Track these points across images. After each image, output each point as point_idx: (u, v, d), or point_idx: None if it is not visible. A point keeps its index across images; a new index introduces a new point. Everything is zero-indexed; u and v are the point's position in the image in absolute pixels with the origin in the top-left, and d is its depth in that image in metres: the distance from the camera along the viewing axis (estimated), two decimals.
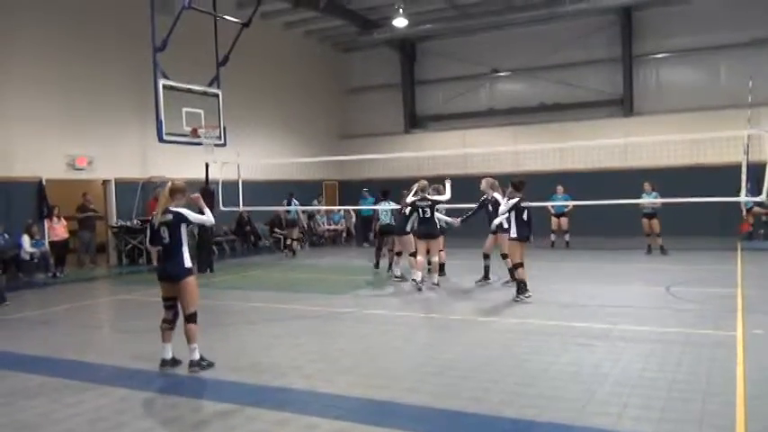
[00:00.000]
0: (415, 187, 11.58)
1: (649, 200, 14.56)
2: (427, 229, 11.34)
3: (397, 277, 12.24)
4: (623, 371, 5.96)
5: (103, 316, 10.52)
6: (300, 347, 7.38)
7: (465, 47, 23.20)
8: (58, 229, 14.77)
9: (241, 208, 16.10)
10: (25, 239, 13.98)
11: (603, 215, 16.34)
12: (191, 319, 6.45)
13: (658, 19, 20.55)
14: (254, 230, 19.91)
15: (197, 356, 6.46)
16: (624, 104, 21.01)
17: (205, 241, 15.02)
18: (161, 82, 13.08)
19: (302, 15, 21.12)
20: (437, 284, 11.22)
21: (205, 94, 14.40)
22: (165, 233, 6.45)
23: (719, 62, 19.84)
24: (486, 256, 11.46)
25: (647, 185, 15.11)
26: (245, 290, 12.22)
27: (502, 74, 23.22)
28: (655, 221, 15.21)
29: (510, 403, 5.19)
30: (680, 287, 10.55)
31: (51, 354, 7.41)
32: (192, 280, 6.49)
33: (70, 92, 15.58)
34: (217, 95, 14.60)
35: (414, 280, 11.34)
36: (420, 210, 11.34)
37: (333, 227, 22.00)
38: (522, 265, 9.76)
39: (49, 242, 14.66)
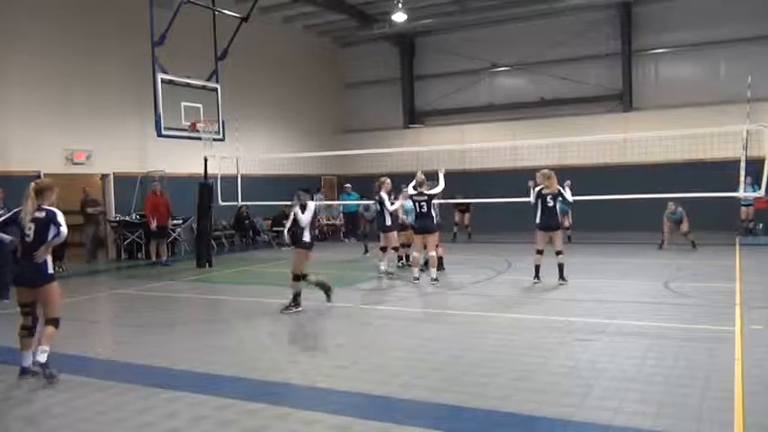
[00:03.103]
0: (413, 182, 11.65)
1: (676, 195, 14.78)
2: (424, 224, 11.38)
3: (381, 273, 12.20)
4: (621, 366, 5.96)
5: (101, 311, 10.51)
6: (299, 342, 7.39)
7: (464, 42, 23.17)
8: None
9: (239, 203, 16.11)
10: None
11: (603, 210, 16.35)
12: (53, 322, 6.06)
13: (658, 14, 20.54)
14: (253, 225, 19.90)
15: (44, 359, 5.88)
16: (623, 99, 21.01)
17: (204, 236, 15.02)
18: (159, 76, 13.06)
19: (301, 10, 21.07)
20: (436, 280, 11.22)
21: (204, 88, 14.38)
22: (29, 231, 5.99)
23: (719, 57, 19.84)
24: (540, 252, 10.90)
25: (671, 206, 15.25)
26: (244, 285, 12.21)
27: (501, 69, 23.19)
28: (683, 224, 15.36)
29: (508, 398, 5.20)
30: (678, 282, 10.57)
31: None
32: (54, 286, 6.10)
33: (68, 86, 15.54)
34: (216, 90, 14.58)
35: (415, 278, 11.45)
36: (417, 204, 11.37)
37: (331, 221, 22.00)
38: (305, 276, 9.22)
39: None
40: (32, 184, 6.21)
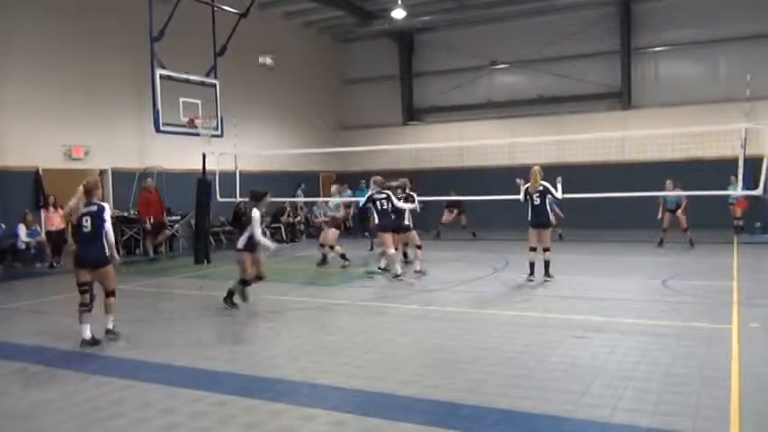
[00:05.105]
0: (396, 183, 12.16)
1: (674, 193, 14.64)
2: (395, 223, 11.83)
3: (380, 271, 12.40)
4: (618, 364, 5.97)
5: (99, 307, 10.48)
6: (296, 339, 7.40)
7: (463, 39, 23.14)
8: (55, 219, 14.72)
9: (238, 199, 16.07)
10: (21, 229, 13.96)
11: (602, 208, 16.36)
12: (113, 294, 7.38)
13: (657, 11, 20.51)
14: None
15: (112, 326, 7.39)
16: (622, 97, 21.00)
17: (202, 232, 15.00)
18: (158, 71, 13.02)
19: (301, 6, 21.03)
20: (420, 272, 11.53)
21: (203, 84, 14.33)
22: (87, 222, 7.09)
23: (718, 56, 19.83)
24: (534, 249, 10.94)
25: (669, 184, 14.93)
26: None
27: (500, 66, 23.16)
28: (683, 217, 15.13)
29: (506, 394, 5.21)
30: (676, 280, 10.58)
31: (46, 343, 7.40)
32: (111, 266, 7.33)
33: (67, 81, 15.50)
34: (214, 86, 14.53)
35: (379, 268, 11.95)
36: (378, 203, 11.75)
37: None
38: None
39: (46, 232, 14.62)
40: (82, 185, 7.27)
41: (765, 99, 17.11)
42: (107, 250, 7.19)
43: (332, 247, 13.42)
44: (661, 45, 20.73)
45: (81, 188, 7.23)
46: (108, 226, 7.22)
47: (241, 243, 9.23)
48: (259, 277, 9.23)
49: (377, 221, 11.92)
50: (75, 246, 7.41)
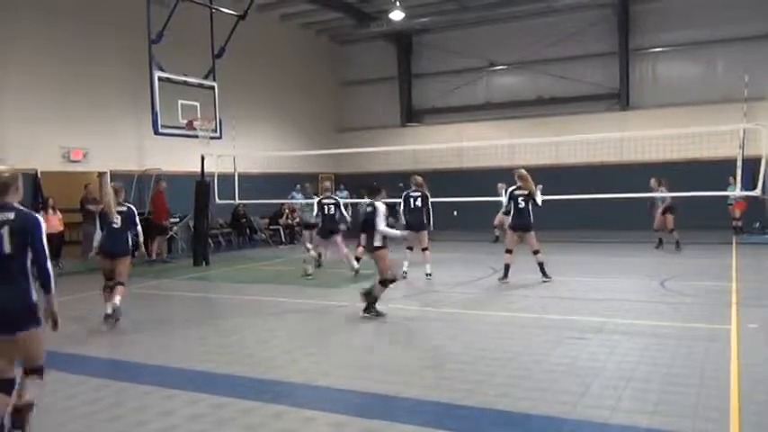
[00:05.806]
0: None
1: (660, 194, 14.61)
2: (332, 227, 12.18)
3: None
4: (618, 364, 5.97)
5: (97, 309, 10.46)
6: (296, 341, 7.39)
7: (462, 40, 23.15)
8: (53, 222, 14.69)
9: (236, 201, 16.09)
10: None
11: (600, 209, 16.38)
12: (121, 284, 8.35)
13: (655, 13, 20.55)
14: (249, 223, 19.90)
15: (110, 311, 8.11)
16: (621, 98, 21.02)
17: (201, 234, 14.99)
18: (157, 74, 13.02)
19: (299, 8, 21.03)
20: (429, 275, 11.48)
21: (201, 86, 14.32)
22: (117, 219, 8.22)
23: (716, 56, 19.86)
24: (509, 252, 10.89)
25: (653, 183, 14.93)
26: (241, 283, 12.19)
27: (499, 67, 23.19)
28: (669, 217, 15.02)
29: (505, 395, 5.20)
30: (675, 281, 10.58)
31: (45, 346, 7.37)
32: (129, 258, 8.47)
33: (66, 84, 15.48)
34: (212, 88, 14.53)
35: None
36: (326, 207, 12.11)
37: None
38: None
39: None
40: (110, 189, 8.54)
41: (764, 99, 17.13)
42: (129, 244, 8.39)
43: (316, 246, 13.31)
44: (659, 46, 20.77)
45: (111, 190, 8.45)
46: (139, 228, 8.51)
47: (378, 240, 8.48)
48: (392, 280, 8.49)
49: (320, 225, 12.16)
50: (102, 238, 8.36)
